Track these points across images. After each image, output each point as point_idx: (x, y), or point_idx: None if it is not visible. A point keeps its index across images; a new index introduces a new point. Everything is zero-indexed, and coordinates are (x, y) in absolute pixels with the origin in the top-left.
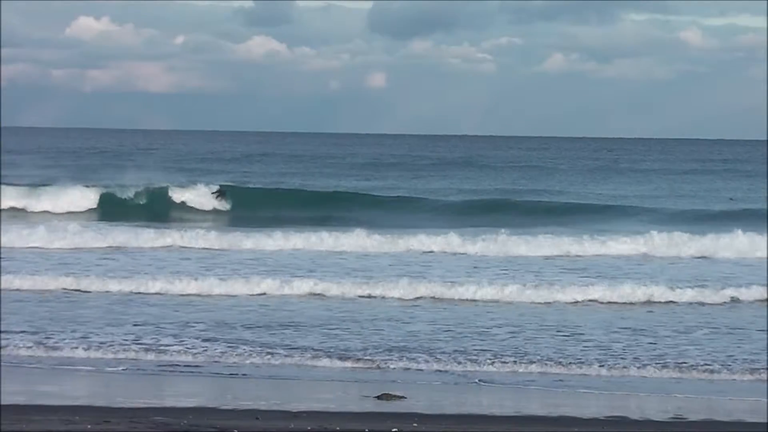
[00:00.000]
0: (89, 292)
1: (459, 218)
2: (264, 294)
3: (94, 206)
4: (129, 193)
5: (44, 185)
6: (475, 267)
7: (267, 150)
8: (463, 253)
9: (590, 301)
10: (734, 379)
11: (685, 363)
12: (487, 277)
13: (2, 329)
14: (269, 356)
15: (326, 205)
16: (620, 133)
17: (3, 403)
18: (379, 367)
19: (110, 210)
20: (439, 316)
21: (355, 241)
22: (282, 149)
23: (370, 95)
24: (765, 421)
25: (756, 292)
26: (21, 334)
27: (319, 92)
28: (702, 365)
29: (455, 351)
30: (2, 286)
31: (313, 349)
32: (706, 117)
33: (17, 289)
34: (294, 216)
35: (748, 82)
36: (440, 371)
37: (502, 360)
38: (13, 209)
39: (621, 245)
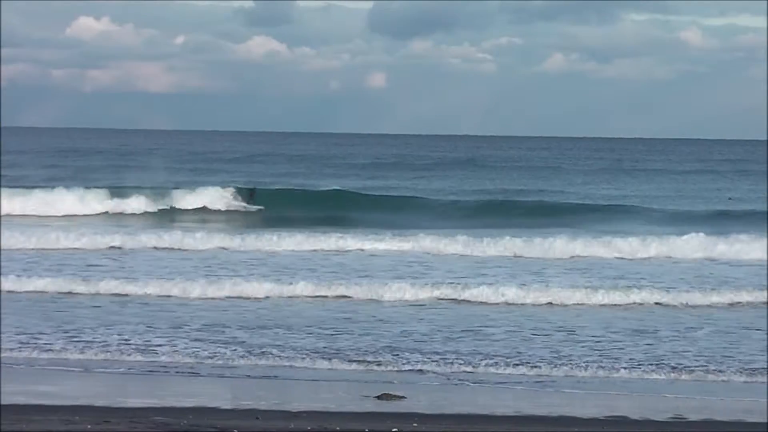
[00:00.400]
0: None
1: (465, 219)
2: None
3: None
4: (164, 196)
5: (89, 188)
6: (478, 267)
7: (270, 150)
8: (467, 254)
9: (585, 303)
10: (734, 380)
11: (685, 363)
12: (489, 278)
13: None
14: (304, 359)
15: (353, 206)
16: (620, 133)
17: (3, 403)
18: (379, 365)
19: (150, 214)
20: (442, 316)
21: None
22: (285, 149)
23: (370, 95)
24: (765, 421)
25: (756, 294)
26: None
27: (319, 92)
28: (702, 366)
29: (456, 352)
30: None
31: (306, 349)
32: (706, 117)
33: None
34: (327, 217)
35: (748, 82)
36: (441, 372)
37: (504, 361)
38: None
39: (622, 247)
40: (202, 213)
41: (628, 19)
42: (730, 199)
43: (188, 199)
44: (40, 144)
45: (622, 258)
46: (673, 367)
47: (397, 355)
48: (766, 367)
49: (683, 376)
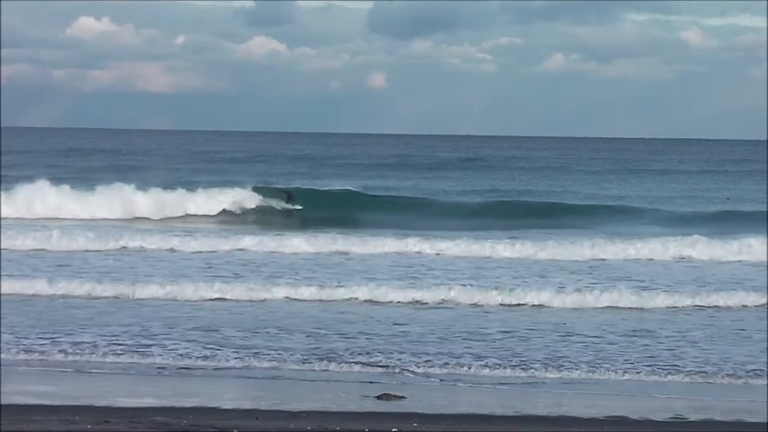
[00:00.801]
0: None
1: (475, 220)
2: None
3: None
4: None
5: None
6: (481, 268)
7: (276, 150)
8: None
9: (580, 307)
10: (734, 381)
11: (683, 364)
12: (492, 280)
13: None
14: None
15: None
16: (620, 133)
17: (3, 403)
18: (381, 367)
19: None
20: (443, 317)
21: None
22: (288, 149)
23: (370, 95)
24: (765, 421)
25: (756, 296)
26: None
27: (320, 92)
28: (701, 366)
29: (457, 353)
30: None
31: (298, 351)
32: (706, 117)
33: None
34: (370, 219)
35: (748, 82)
36: (440, 373)
37: (506, 362)
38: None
39: (623, 248)
40: (254, 213)
41: (629, 19)
42: (728, 198)
43: (246, 201)
44: (41, 144)
45: (623, 259)
46: (673, 368)
47: (398, 355)
48: (766, 368)
49: (682, 377)
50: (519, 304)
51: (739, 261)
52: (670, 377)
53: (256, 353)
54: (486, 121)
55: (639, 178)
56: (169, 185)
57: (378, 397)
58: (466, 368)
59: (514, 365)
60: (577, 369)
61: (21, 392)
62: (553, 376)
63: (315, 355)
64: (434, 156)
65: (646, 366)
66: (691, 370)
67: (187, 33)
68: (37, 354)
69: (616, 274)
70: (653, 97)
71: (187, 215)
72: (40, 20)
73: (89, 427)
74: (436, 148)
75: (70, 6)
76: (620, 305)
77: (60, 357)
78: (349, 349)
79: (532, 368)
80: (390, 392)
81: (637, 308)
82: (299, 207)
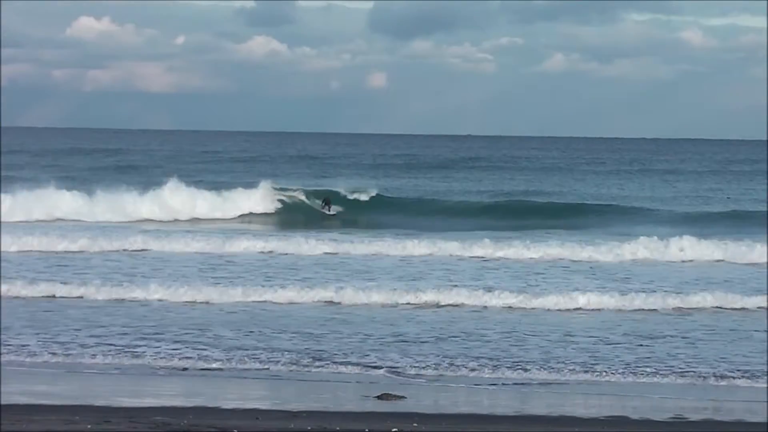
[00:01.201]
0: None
1: (486, 220)
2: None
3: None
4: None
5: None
6: (482, 269)
7: (280, 151)
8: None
9: (580, 307)
10: (734, 381)
11: (683, 364)
12: (494, 280)
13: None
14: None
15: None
16: (621, 132)
17: (3, 403)
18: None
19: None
20: (444, 318)
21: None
22: (295, 150)
23: (370, 95)
24: (765, 421)
25: (756, 298)
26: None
27: (320, 92)
28: (701, 367)
29: (457, 354)
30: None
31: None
32: (706, 117)
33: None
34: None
35: (748, 82)
36: (440, 373)
37: (508, 364)
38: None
39: (623, 249)
40: (282, 214)
41: (629, 19)
42: (728, 198)
43: (291, 204)
44: (42, 144)
45: (624, 260)
46: (673, 368)
47: (399, 356)
48: (766, 369)
49: (683, 378)
50: (520, 307)
51: (739, 262)
52: (669, 377)
53: (278, 352)
54: (486, 121)
55: (651, 179)
56: (220, 186)
57: (378, 397)
58: (466, 368)
59: (514, 366)
60: (574, 369)
61: (21, 392)
62: (553, 376)
63: (308, 355)
64: (440, 156)
65: (646, 366)
66: (691, 371)
67: (187, 33)
68: (37, 354)
69: (617, 274)
70: (654, 97)
71: (250, 213)
72: (40, 20)
73: (89, 427)
74: (439, 147)
75: (70, 6)
76: (620, 306)
77: (60, 357)
78: (348, 349)
79: (528, 369)
80: (390, 392)
81: (637, 309)
82: (334, 213)
